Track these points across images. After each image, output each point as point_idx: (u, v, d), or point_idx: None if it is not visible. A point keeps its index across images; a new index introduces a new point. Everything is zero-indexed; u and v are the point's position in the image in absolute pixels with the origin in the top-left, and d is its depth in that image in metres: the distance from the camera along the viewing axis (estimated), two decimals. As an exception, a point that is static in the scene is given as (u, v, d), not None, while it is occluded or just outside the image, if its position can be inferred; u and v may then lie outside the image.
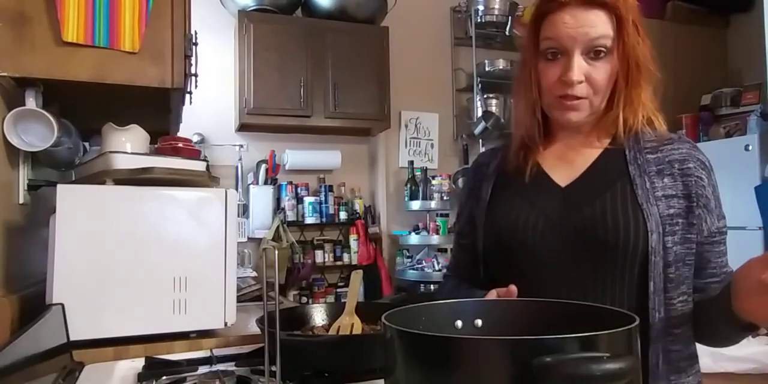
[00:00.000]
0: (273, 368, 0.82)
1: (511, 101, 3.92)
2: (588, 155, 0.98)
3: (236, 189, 3.45)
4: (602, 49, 0.89)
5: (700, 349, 0.95)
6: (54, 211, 1.14)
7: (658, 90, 0.96)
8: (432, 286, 3.52)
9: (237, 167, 3.66)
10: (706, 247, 0.92)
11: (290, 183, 3.71)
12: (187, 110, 1.72)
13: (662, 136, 0.97)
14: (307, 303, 3.38)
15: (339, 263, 3.79)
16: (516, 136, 1.04)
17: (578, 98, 0.91)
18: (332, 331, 1.09)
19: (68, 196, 1.15)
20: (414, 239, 3.80)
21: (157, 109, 1.52)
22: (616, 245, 0.88)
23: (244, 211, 3.55)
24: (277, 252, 1.02)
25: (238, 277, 1.45)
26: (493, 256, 1.00)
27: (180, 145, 1.47)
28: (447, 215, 3.76)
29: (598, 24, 0.88)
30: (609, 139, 0.98)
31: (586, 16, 0.88)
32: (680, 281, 0.90)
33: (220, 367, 1.06)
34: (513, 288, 0.84)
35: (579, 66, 0.89)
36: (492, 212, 1.01)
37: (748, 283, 0.73)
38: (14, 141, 1.20)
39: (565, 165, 0.99)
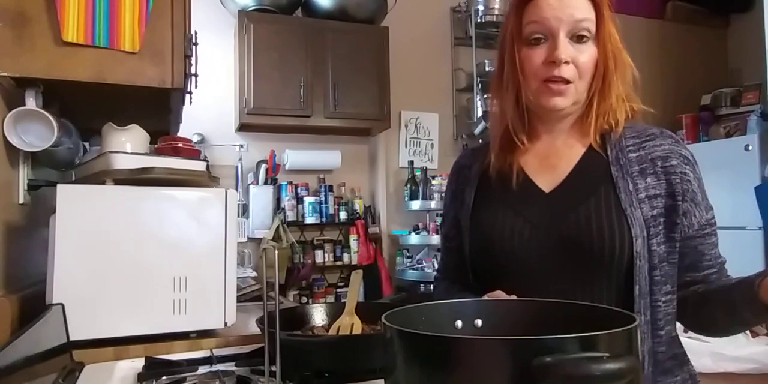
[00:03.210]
0: (273, 368, 0.82)
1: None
2: (570, 158, 0.97)
3: (236, 189, 3.45)
4: (586, 33, 0.91)
5: (701, 349, 0.95)
6: (54, 211, 1.14)
7: (637, 84, 0.97)
8: (432, 286, 3.52)
9: (237, 167, 3.66)
10: (699, 240, 0.92)
11: (290, 183, 3.71)
12: (187, 110, 1.72)
13: (643, 130, 0.97)
14: (307, 303, 3.38)
15: (339, 263, 3.79)
16: (495, 136, 1.02)
17: (565, 82, 0.91)
18: (332, 331, 1.09)
19: (68, 196, 1.15)
20: (414, 239, 3.80)
21: (157, 109, 1.52)
22: (601, 252, 0.88)
23: (244, 211, 3.55)
24: (277, 252, 1.02)
25: (238, 277, 1.45)
26: (480, 262, 1.00)
27: (180, 145, 1.47)
28: (447, 215, 3.76)
29: (581, 7, 0.91)
30: (590, 138, 0.96)
31: None
32: (664, 282, 0.89)
33: (220, 367, 1.06)
34: (513, 298, 0.83)
35: (565, 46, 0.90)
36: (476, 219, 1.00)
37: None
38: (14, 141, 1.20)
39: (549, 169, 0.98)
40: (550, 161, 0.98)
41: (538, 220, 0.94)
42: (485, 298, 0.85)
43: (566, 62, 0.90)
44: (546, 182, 0.97)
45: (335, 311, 1.16)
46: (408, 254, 3.89)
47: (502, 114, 1.01)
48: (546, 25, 0.91)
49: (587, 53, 0.91)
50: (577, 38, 0.91)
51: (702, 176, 0.95)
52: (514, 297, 0.82)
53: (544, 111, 0.96)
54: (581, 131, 0.98)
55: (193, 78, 1.49)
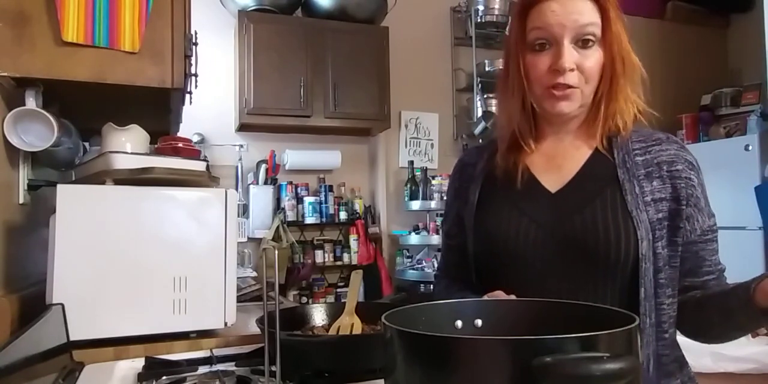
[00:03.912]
0: (273, 368, 0.82)
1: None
2: (577, 159, 0.97)
3: (236, 189, 3.45)
4: (591, 37, 0.89)
5: (701, 349, 0.95)
6: (54, 211, 1.14)
7: (645, 85, 0.96)
8: (432, 286, 3.52)
9: (237, 167, 3.66)
10: (700, 245, 0.93)
11: (290, 183, 3.71)
12: (187, 110, 1.72)
13: (650, 135, 0.96)
14: (307, 303, 3.38)
15: (339, 263, 3.79)
16: (502, 137, 1.02)
17: (569, 87, 0.90)
18: (332, 331, 1.09)
19: (68, 196, 1.15)
20: (414, 239, 3.80)
21: (157, 109, 1.52)
22: (606, 254, 0.88)
23: (244, 211, 3.55)
24: (277, 252, 1.01)
25: (238, 277, 1.44)
26: (484, 263, 0.99)
27: (180, 145, 1.47)
28: (447, 215, 3.76)
29: (586, 12, 0.89)
30: (597, 140, 0.96)
31: (573, 4, 0.89)
32: (668, 284, 0.90)
33: (220, 367, 1.06)
34: (512, 298, 0.83)
35: (570, 53, 0.89)
36: (481, 218, 0.99)
37: None
38: (14, 141, 1.20)
39: (555, 169, 0.97)
40: (557, 161, 0.98)
41: (543, 219, 0.93)
42: (485, 298, 0.84)
43: (571, 69, 0.89)
44: (552, 182, 0.97)
45: (335, 311, 1.16)
46: (408, 254, 3.89)
47: (509, 117, 1.00)
48: (550, 31, 0.89)
49: (593, 58, 0.90)
50: (582, 43, 0.89)
51: (704, 183, 0.95)
52: (513, 297, 0.82)
53: (551, 116, 0.96)
54: (588, 133, 0.97)
55: (193, 78, 1.49)
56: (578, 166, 0.96)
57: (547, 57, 0.91)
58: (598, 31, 0.90)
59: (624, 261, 0.87)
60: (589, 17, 0.89)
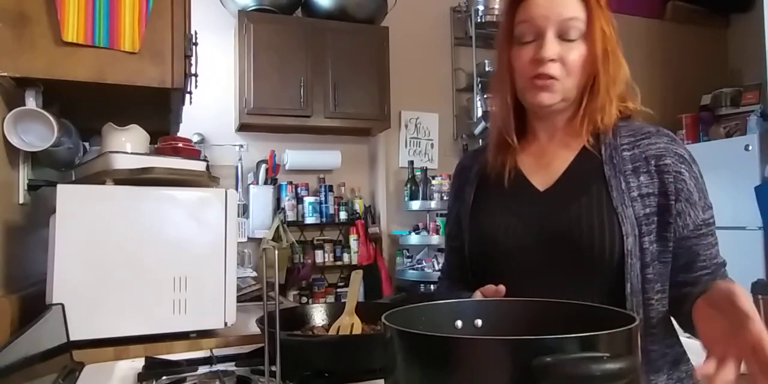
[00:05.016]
0: (273, 368, 0.82)
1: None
2: (565, 157, 0.97)
3: (236, 189, 3.45)
4: (575, 31, 0.91)
5: (701, 348, 0.93)
6: (54, 211, 1.14)
7: (629, 85, 0.97)
8: (432, 286, 3.53)
9: (237, 167, 3.66)
10: (694, 240, 0.91)
11: (290, 183, 3.71)
12: (187, 110, 1.72)
13: (639, 129, 0.96)
14: (307, 303, 3.38)
15: (339, 263, 3.79)
16: (492, 132, 1.04)
17: (551, 78, 0.91)
18: (332, 331, 1.09)
19: (68, 196, 1.15)
20: (414, 239, 3.80)
21: (157, 109, 1.52)
22: (591, 250, 0.88)
23: (244, 211, 3.55)
24: (277, 252, 1.01)
25: (238, 277, 1.44)
26: (478, 260, 1.01)
27: (180, 145, 1.47)
28: (447, 215, 3.76)
29: (570, 5, 0.91)
30: (586, 138, 0.96)
31: None
32: (656, 280, 0.89)
33: (220, 367, 1.06)
34: (501, 288, 0.83)
35: (552, 44, 0.91)
36: (475, 218, 1.01)
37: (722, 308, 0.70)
38: (14, 141, 1.20)
39: (543, 168, 0.98)
40: (545, 160, 0.99)
41: (531, 218, 0.94)
42: (477, 294, 0.85)
43: (552, 60, 0.91)
44: (541, 181, 0.98)
45: (335, 311, 1.16)
46: (408, 254, 3.89)
47: (495, 114, 1.03)
48: (534, 24, 0.92)
49: (576, 51, 0.91)
50: (566, 37, 0.91)
51: (701, 175, 0.94)
52: (502, 287, 0.83)
53: (534, 108, 0.98)
54: (575, 131, 0.98)
55: (193, 78, 1.49)
56: (566, 165, 0.97)
57: (531, 48, 0.93)
58: (582, 26, 0.91)
59: (609, 257, 0.87)
60: (574, 11, 0.91)
